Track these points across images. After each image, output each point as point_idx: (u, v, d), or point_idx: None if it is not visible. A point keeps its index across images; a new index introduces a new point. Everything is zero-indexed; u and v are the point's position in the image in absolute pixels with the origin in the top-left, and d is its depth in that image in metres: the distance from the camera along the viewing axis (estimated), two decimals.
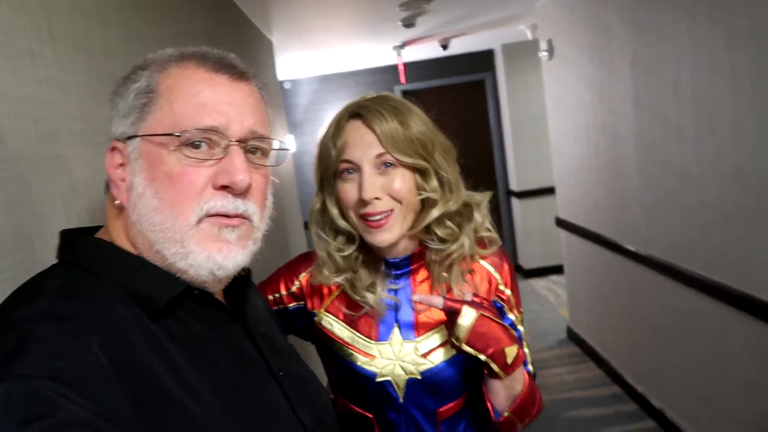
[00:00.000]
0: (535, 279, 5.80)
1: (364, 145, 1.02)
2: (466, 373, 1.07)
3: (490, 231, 1.13)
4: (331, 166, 1.05)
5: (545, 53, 3.87)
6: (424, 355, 1.06)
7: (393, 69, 5.75)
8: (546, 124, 4.22)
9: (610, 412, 3.19)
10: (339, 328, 1.11)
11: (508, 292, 1.12)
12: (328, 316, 1.13)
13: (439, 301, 0.98)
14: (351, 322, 1.10)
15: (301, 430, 0.76)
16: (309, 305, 1.15)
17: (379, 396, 1.08)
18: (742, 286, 2.19)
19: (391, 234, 1.03)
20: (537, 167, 5.67)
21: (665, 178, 2.65)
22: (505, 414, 1.01)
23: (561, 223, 4.10)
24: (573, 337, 4.18)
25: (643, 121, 2.78)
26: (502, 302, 1.11)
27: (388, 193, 1.02)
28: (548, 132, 4.16)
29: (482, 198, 1.12)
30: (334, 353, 1.12)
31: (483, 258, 1.12)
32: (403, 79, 5.47)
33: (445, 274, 1.08)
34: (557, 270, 5.12)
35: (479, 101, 6.22)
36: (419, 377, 1.05)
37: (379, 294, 1.09)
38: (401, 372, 1.06)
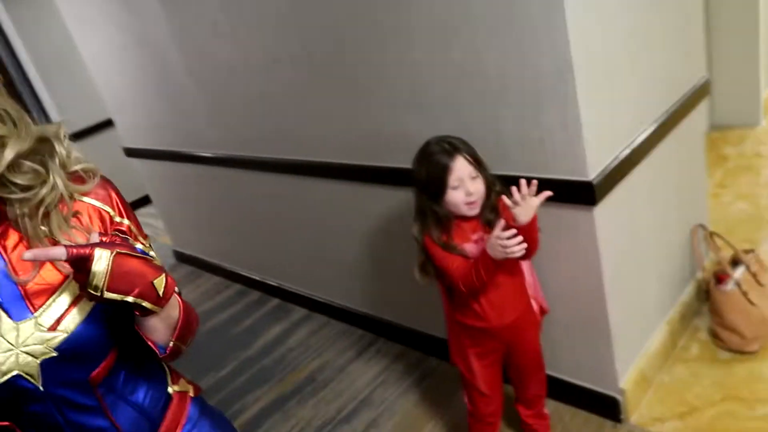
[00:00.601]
0: None
1: None
2: (111, 324, 0.96)
3: (82, 162, 0.99)
4: None
5: None
6: (52, 328, 0.90)
7: None
8: (80, 55, 3.82)
9: (240, 307, 3.45)
10: None
11: (126, 222, 1.02)
12: None
13: (60, 251, 0.81)
14: None
15: None
16: None
17: (10, 398, 0.91)
18: (295, 155, 2.55)
19: None
20: (84, 103, 5.15)
21: (216, 76, 2.73)
22: (171, 344, 0.97)
23: (131, 153, 3.92)
24: (182, 258, 4.22)
25: (178, 24, 2.75)
26: (124, 234, 1.01)
27: None
28: (85, 62, 3.79)
29: (57, 128, 0.96)
30: None
31: (85, 195, 0.98)
32: None
33: (43, 228, 0.91)
34: (144, 201, 4.95)
35: None
36: (55, 354, 0.90)
37: None
38: (29, 359, 0.89)
